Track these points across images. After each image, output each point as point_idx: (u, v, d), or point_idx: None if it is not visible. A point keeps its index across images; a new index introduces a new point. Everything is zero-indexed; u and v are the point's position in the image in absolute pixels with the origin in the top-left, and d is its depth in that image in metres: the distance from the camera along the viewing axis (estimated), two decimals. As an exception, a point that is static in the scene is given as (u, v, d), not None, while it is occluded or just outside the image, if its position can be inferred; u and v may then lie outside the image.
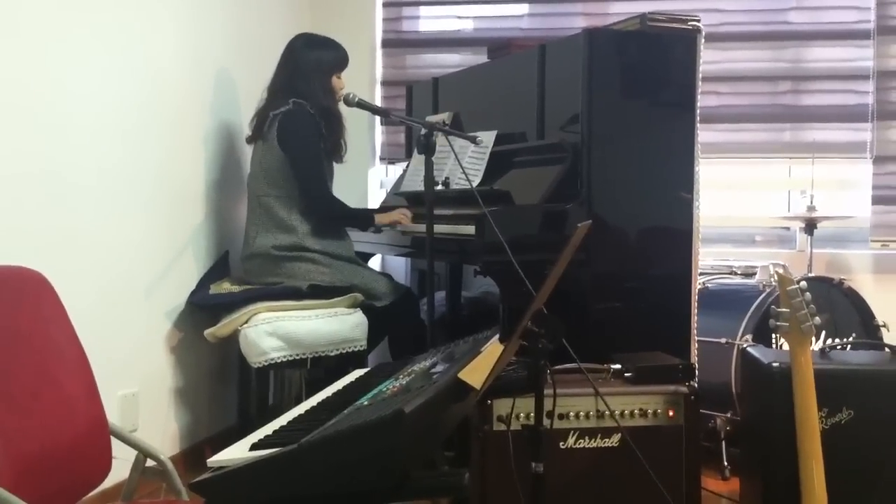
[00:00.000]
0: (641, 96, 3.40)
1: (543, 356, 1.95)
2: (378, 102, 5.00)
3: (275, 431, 1.61)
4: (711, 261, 4.30)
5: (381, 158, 5.16)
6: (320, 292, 3.57)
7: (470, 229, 3.17)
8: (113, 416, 2.13)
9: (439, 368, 1.78)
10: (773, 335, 3.56)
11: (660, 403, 2.76)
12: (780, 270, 3.88)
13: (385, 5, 5.08)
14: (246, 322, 3.43)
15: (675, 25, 3.42)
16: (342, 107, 3.63)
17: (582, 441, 2.72)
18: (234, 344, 3.52)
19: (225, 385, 4.00)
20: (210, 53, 3.90)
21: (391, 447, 1.35)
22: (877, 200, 4.61)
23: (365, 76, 4.93)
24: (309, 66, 3.72)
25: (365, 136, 4.96)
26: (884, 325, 3.77)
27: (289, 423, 1.68)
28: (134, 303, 3.36)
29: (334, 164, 3.83)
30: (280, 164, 3.65)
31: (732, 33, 4.71)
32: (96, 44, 3.09)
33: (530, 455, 2.03)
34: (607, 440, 2.72)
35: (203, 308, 3.64)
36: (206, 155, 3.89)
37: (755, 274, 4.06)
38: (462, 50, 5.00)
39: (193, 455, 3.68)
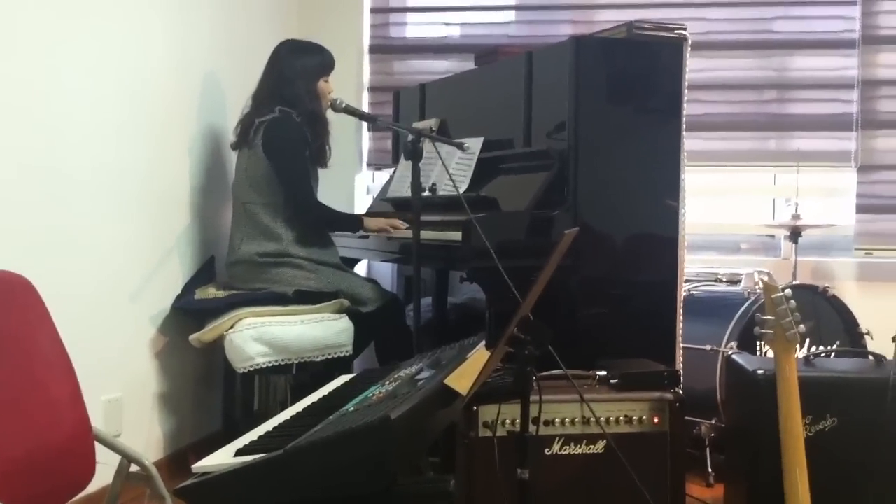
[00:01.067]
0: (628, 104, 3.41)
1: (529, 363, 1.96)
2: (365, 108, 4.99)
3: (260, 437, 1.61)
4: (697, 268, 4.31)
5: (368, 164, 5.16)
6: (306, 298, 3.57)
7: (456, 235, 3.17)
8: (97, 420, 2.12)
9: (425, 374, 1.78)
10: (758, 342, 3.58)
11: (645, 410, 2.76)
12: (765, 278, 3.89)
13: (372, 11, 5.08)
14: (231, 327, 3.42)
15: (661, 34, 3.43)
16: (328, 112, 3.64)
17: (567, 447, 2.72)
18: (220, 349, 3.50)
19: (210, 390, 3.99)
20: (197, 58, 3.90)
21: (377, 453, 1.35)
22: (861, 209, 4.63)
23: (352, 82, 4.93)
24: (294, 73, 3.72)
25: (352, 141, 4.96)
26: (867, 333, 3.79)
27: (274, 428, 1.68)
28: (119, 307, 3.34)
29: (319, 169, 3.83)
30: (265, 171, 3.64)
31: (718, 42, 4.73)
32: (82, 47, 3.08)
33: (516, 461, 2.03)
34: (592, 447, 2.73)
35: (188, 313, 3.63)
36: (193, 159, 3.88)
37: (740, 281, 4.07)
38: (449, 56, 5.00)
39: (177, 460, 3.66)
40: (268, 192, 3.65)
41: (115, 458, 2.10)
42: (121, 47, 3.31)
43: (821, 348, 3.70)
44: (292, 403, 2.00)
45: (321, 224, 3.76)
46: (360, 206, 4.98)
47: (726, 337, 3.70)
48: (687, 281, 3.95)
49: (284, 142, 3.64)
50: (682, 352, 3.45)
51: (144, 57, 3.47)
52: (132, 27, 3.38)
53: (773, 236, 4.85)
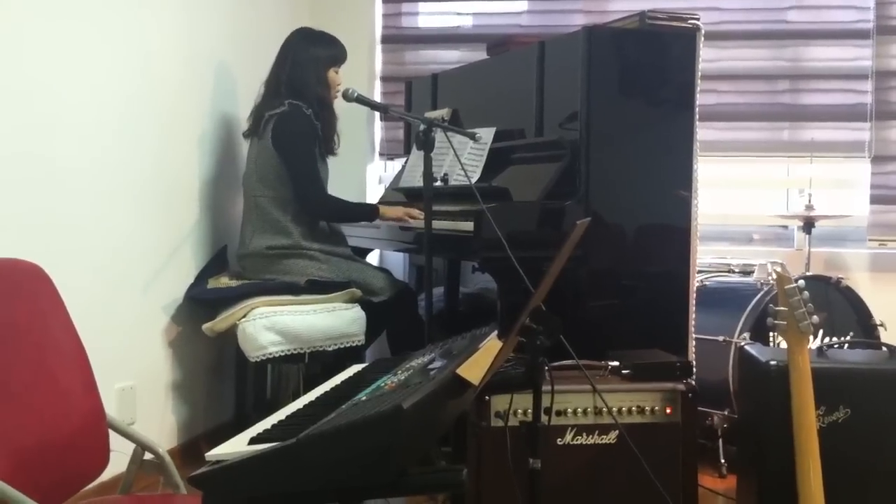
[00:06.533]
0: (640, 94, 3.40)
1: (541, 353, 1.96)
2: (377, 98, 5.00)
3: (273, 426, 1.61)
4: (709, 259, 4.30)
5: (380, 154, 5.16)
6: (318, 287, 3.57)
7: (468, 226, 3.17)
8: (110, 409, 2.13)
9: (437, 364, 1.77)
10: (771, 333, 3.57)
11: (657, 401, 2.76)
12: (779, 269, 3.89)
13: (385, 1, 5.08)
14: (244, 316, 3.43)
15: (674, 24, 3.42)
16: (340, 101, 3.63)
17: (579, 438, 2.72)
18: (232, 338, 3.52)
19: (222, 379, 4.00)
20: (207, 46, 3.90)
21: (389, 442, 1.35)
22: (875, 200, 4.61)
23: (364, 72, 4.93)
24: (306, 59, 3.72)
25: (364, 131, 4.97)
26: (881, 325, 3.78)
27: (287, 417, 1.68)
28: (132, 296, 3.36)
29: (329, 157, 3.83)
30: (274, 164, 3.64)
31: (732, 32, 4.71)
32: (92, 34, 3.09)
33: (528, 451, 2.03)
34: (604, 437, 2.72)
35: (201, 302, 3.64)
36: (204, 149, 3.88)
37: (753, 272, 4.05)
38: (461, 46, 5.00)
39: (191, 449, 3.68)
40: (276, 185, 3.65)
41: (129, 447, 2.11)
42: (129, 38, 3.31)
43: (834, 339, 3.69)
44: (304, 393, 2.00)
45: (335, 217, 3.77)
46: (372, 195, 4.99)
47: (739, 328, 3.69)
48: (699, 272, 3.95)
49: (294, 137, 3.64)
50: (694, 342, 3.45)
51: (153, 47, 3.47)
52: (140, 17, 3.38)
53: (786, 227, 4.83)
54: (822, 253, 4.56)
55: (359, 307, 3.63)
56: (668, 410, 2.76)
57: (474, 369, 1.66)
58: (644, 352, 3.00)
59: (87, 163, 3.06)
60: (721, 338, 3.71)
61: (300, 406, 1.78)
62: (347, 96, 3.23)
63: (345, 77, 3.84)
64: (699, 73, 3.44)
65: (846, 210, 4.36)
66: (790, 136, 4.74)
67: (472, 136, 3.34)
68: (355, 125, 4.59)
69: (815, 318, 2.38)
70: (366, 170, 5.04)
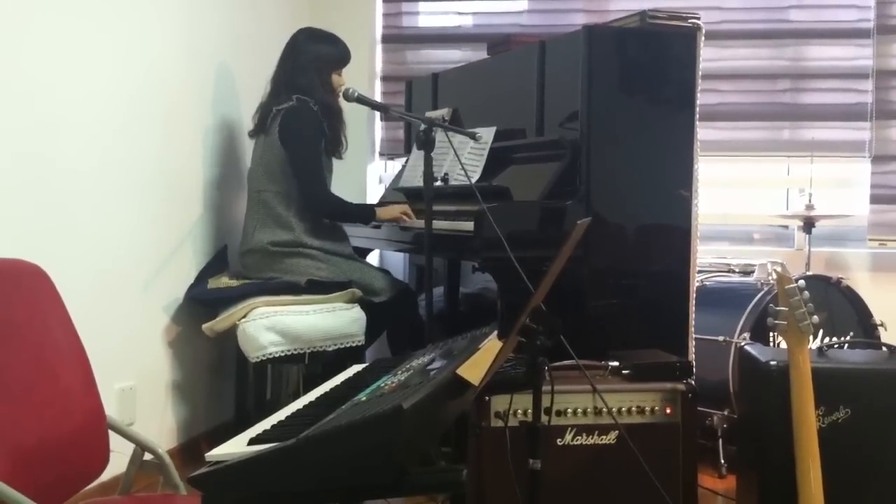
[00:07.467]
0: (641, 93, 3.40)
1: (541, 353, 1.95)
2: (377, 98, 5.00)
3: (273, 426, 1.61)
4: (710, 259, 4.30)
5: (381, 154, 5.16)
6: (318, 287, 3.57)
7: (469, 225, 3.17)
8: (110, 409, 2.13)
9: (437, 364, 1.77)
10: (771, 333, 3.57)
11: (657, 401, 2.76)
12: (779, 269, 3.89)
13: (385, 0, 5.07)
14: (244, 316, 3.43)
15: (675, 23, 3.42)
16: (341, 101, 3.64)
17: (579, 438, 2.72)
18: (232, 338, 3.52)
19: (222, 379, 4.00)
20: (208, 46, 3.90)
21: (389, 443, 1.35)
22: (875, 199, 4.61)
23: (364, 71, 4.93)
24: (309, 59, 3.72)
25: (364, 131, 4.96)
26: (881, 325, 3.78)
27: (287, 418, 1.68)
28: (132, 296, 3.36)
29: (333, 160, 3.83)
30: (280, 159, 3.64)
31: (732, 31, 4.71)
32: (94, 34, 3.09)
33: (528, 451, 2.03)
34: (604, 437, 2.72)
35: (201, 302, 3.64)
36: (205, 148, 3.88)
37: (753, 272, 4.05)
38: (462, 46, 5.00)
39: (190, 449, 3.68)
40: (281, 180, 3.65)
41: (129, 447, 2.11)
42: (130, 38, 3.31)
43: (834, 339, 3.68)
44: (304, 393, 2.00)
45: (334, 216, 3.77)
46: (373, 195, 4.99)
47: (739, 328, 3.69)
48: (700, 271, 3.94)
49: (300, 132, 3.64)
50: (694, 342, 3.45)
51: (155, 47, 3.47)
52: (142, 17, 3.38)
53: (786, 227, 4.84)
54: (822, 253, 4.56)
55: (359, 307, 3.62)
56: (668, 410, 2.76)
57: (474, 369, 1.66)
58: (644, 352, 3.00)
59: (89, 163, 3.06)
60: (721, 338, 3.71)
61: (300, 406, 1.78)
62: (348, 96, 3.23)
63: (345, 77, 3.84)
64: (700, 73, 3.44)
65: (846, 210, 4.36)
66: (791, 135, 4.74)
67: (473, 136, 3.34)
68: (356, 125, 4.58)
69: (815, 318, 2.38)
70: (366, 170, 5.04)
